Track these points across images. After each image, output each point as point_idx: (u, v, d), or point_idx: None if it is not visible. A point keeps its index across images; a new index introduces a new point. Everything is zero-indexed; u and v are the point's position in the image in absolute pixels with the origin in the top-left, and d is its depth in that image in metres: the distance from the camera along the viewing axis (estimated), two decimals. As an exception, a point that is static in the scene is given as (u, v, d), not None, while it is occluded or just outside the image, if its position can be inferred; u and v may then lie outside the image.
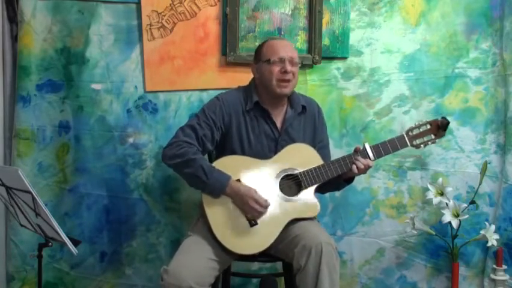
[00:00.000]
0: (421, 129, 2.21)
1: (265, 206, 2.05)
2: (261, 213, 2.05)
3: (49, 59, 2.61)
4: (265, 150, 2.19)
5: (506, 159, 2.72)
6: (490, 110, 2.77)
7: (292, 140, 2.21)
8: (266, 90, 2.19)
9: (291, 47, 2.22)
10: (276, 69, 2.14)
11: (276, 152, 2.18)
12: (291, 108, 2.24)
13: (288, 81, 2.14)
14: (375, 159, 2.16)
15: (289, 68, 2.13)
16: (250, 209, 2.04)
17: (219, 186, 2.05)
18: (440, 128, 2.20)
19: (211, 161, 2.31)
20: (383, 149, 2.17)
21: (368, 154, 2.15)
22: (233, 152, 2.18)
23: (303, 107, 2.26)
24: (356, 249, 2.78)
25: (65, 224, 2.61)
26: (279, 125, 2.22)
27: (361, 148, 2.17)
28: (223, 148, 2.21)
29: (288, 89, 2.17)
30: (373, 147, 2.17)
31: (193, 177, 2.06)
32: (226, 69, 2.67)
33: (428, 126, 2.21)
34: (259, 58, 2.21)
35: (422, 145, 2.21)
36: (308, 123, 2.29)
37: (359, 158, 2.13)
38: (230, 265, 2.19)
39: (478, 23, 2.76)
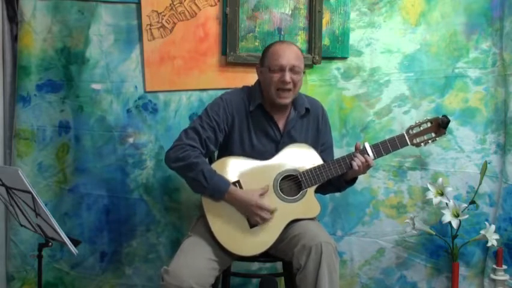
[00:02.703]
0: (421, 128, 2.20)
1: (271, 211, 2.05)
2: (266, 220, 2.05)
3: (49, 59, 2.61)
4: (266, 152, 2.18)
5: (506, 159, 2.72)
6: (490, 110, 2.77)
7: (294, 142, 2.20)
8: (267, 96, 2.17)
9: (295, 54, 2.12)
10: (276, 77, 2.09)
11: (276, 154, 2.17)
12: (295, 110, 2.22)
13: (288, 90, 2.10)
14: (375, 158, 2.16)
15: (288, 77, 2.07)
16: (255, 216, 2.03)
17: (218, 193, 2.04)
18: (440, 126, 2.18)
19: (212, 160, 2.31)
20: (383, 148, 2.17)
21: (368, 153, 2.15)
22: (234, 153, 2.17)
23: (307, 109, 2.25)
24: (356, 249, 2.78)
25: (65, 224, 2.61)
26: (281, 126, 2.21)
27: (361, 145, 2.17)
28: (225, 148, 2.20)
29: (288, 99, 2.13)
30: (373, 147, 2.16)
31: (194, 182, 2.06)
32: (226, 69, 2.67)
33: (429, 125, 2.20)
34: (262, 62, 2.18)
35: (422, 144, 2.20)
36: (311, 125, 2.27)
37: (358, 154, 2.13)
38: (230, 265, 2.19)
39: (478, 23, 2.76)
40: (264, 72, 2.15)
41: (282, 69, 2.09)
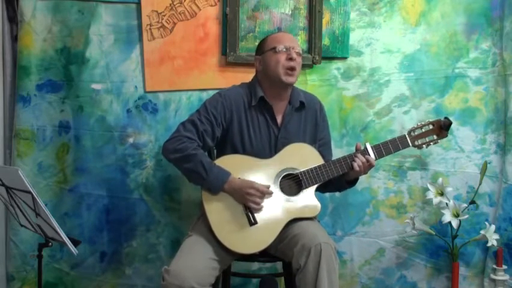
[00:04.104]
0: (423, 130, 2.20)
1: (266, 192, 2.05)
2: (261, 200, 2.04)
3: (49, 59, 2.61)
4: (265, 147, 2.19)
5: (506, 159, 2.72)
6: (490, 110, 2.77)
7: (292, 137, 2.20)
8: (271, 81, 2.18)
9: (294, 39, 2.24)
10: (282, 57, 2.14)
11: (276, 149, 2.18)
12: (290, 104, 2.24)
13: (294, 69, 2.15)
14: (376, 159, 2.16)
15: (294, 55, 2.14)
16: (250, 197, 2.03)
17: (218, 183, 2.05)
18: (442, 128, 2.18)
19: (212, 158, 2.31)
20: (384, 149, 2.17)
21: (369, 154, 2.14)
22: (234, 149, 2.18)
23: (301, 103, 2.25)
24: (356, 249, 2.78)
25: (65, 224, 2.61)
26: (279, 121, 2.22)
27: (362, 146, 2.17)
28: (224, 145, 2.21)
29: (294, 78, 2.17)
30: (374, 147, 2.16)
31: (193, 173, 2.06)
32: (226, 69, 2.67)
33: (431, 127, 2.20)
34: (263, 49, 2.21)
35: (424, 145, 2.19)
36: (309, 119, 2.28)
37: (359, 155, 2.13)
38: (230, 265, 2.19)
39: (478, 23, 2.76)
40: (267, 56, 2.18)
41: (287, 49, 2.15)
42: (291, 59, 2.14)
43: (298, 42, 2.68)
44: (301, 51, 2.21)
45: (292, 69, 2.14)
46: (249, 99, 2.20)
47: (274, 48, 2.15)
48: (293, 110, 2.24)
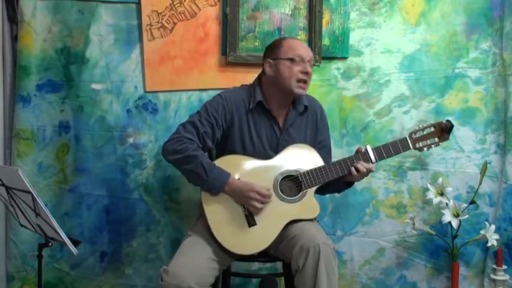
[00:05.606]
0: (425, 132, 2.19)
1: (266, 195, 2.05)
2: (262, 203, 2.04)
3: (49, 59, 2.61)
4: (266, 150, 2.18)
5: (506, 159, 2.72)
6: (490, 110, 2.77)
7: (293, 140, 2.20)
8: (279, 89, 2.17)
9: (309, 49, 2.23)
10: (297, 68, 2.12)
11: (277, 151, 2.17)
12: (294, 108, 2.23)
13: (306, 82, 2.15)
14: (376, 161, 2.15)
15: (309, 69, 2.14)
16: (252, 200, 2.03)
17: (218, 184, 2.05)
18: (444, 131, 2.18)
19: (212, 159, 2.31)
20: (385, 151, 2.16)
21: (369, 157, 2.14)
22: (234, 151, 2.17)
23: (305, 107, 2.26)
24: (356, 249, 2.78)
25: (65, 224, 2.61)
26: (281, 124, 2.22)
27: (363, 149, 2.16)
28: (224, 146, 2.21)
29: (305, 91, 2.17)
30: (375, 150, 2.16)
31: (193, 174, 2.06)
32: (226, 69, 2.67)
33: (432, 129, 2.19)
34: (277, 55, 2.17)
35: (425, 148, 2.18)
36: (310, 123, 2.28)
37: (361, 161, 2.13)
38: (230, 265, 2.19)
39: (478, 23, 2.76)
40: (281, 64, 2.15)
41: (303, 61, 2.14)
42: (306, 73, 2.13)
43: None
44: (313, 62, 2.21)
45: (305, 82, 2.14)
46: (248, 102, 2.19)
47: (293, 59, 2.13)
48: (297, 114, 2.23)
